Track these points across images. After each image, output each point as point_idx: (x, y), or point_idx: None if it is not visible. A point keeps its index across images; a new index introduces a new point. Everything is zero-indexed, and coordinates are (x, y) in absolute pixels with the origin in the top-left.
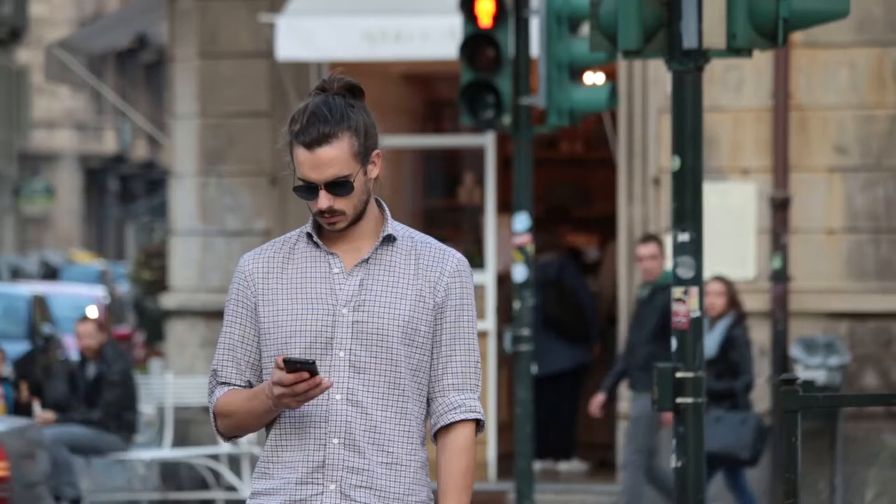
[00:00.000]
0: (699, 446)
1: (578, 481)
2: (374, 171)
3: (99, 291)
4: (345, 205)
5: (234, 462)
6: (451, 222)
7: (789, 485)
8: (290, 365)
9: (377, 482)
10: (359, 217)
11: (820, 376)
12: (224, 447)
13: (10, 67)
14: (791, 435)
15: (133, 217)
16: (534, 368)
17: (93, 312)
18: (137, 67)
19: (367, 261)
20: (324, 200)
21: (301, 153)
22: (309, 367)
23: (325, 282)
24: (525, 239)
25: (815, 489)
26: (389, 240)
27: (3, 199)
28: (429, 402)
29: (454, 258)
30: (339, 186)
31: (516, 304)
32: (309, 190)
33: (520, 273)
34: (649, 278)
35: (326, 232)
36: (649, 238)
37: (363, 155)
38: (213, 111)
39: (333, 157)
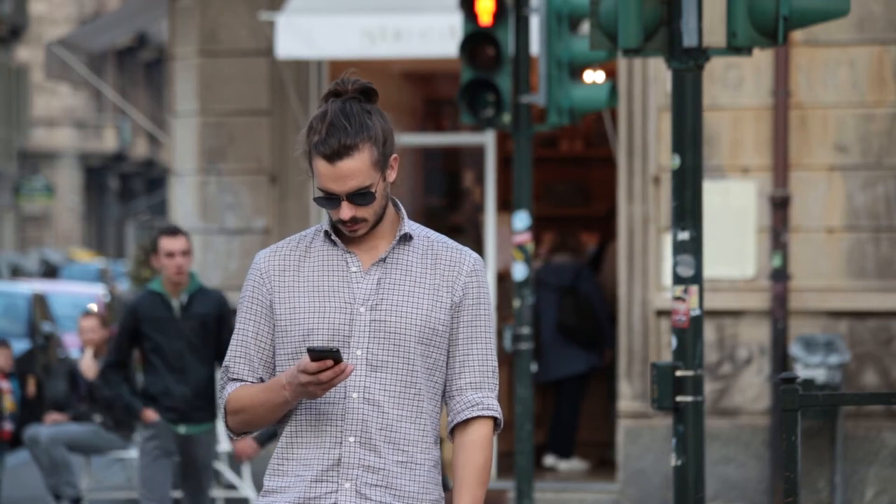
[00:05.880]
0: (699, 445)
1: (578, 480)
2: (392, 175)
3: (99, 289)
4: (366, 213)
5: (234, 460)
6: (451, 221)
7: (789, 483)
8: (315, 354)
9: (393, 481)
10: (378, 220)
11: (820, 375)
12: (224, 445)
13: (10, 65)
14: (791, 434)
15: (133, 215)
16: (534, 367)
17: (95, 308)
18: (137, 66)
19: (384, 260)
20: (346, 211)
21: (321, 165)
22: (333, 355)
23: (343, 280)
24: (525, 237)
25: (814, 488)
26: (406, 239)
27: (3, 198)
28: (446, 400)
29: (471, 258)
30: (361, 197)
31: (516, 303)
32: (330, 200)
33: (519, 271)
34: (179, 280)
35: None
36: (177, 231)
37: (382, 162)
38: (212, 109)
39: (355, 168)
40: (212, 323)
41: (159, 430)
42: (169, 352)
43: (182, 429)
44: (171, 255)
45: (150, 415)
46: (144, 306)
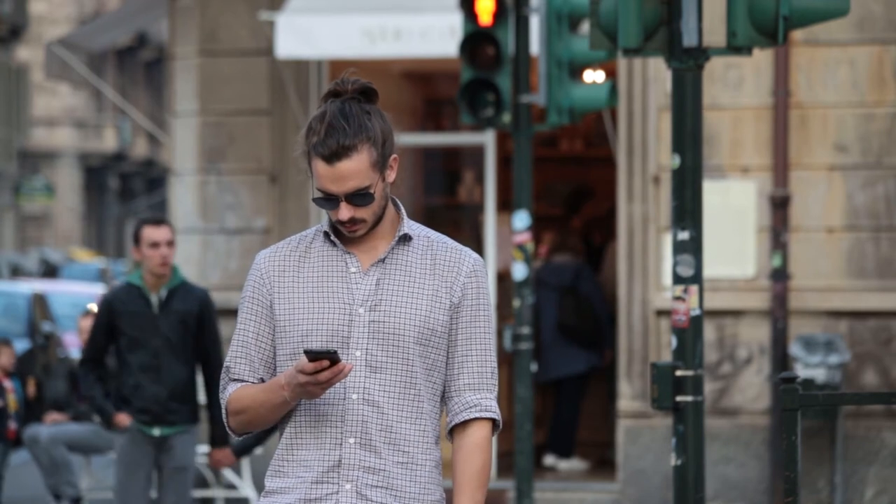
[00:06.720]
0: (699, 445)
1: (578, 480)
2: (391, 175)
3: (99, 289)
4: (365, 213)
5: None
6: (451, 220)
7: (789, 483)
8: (311, 355)
9: (393, 482)
10: (377, 221)
11: (819, 374)
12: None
13: (10, 65)
14: (791, 433)
15: (133, 215)
16: (534, 367)
17: (95, 308)
18: (137, 65)
19: (383, 260)
20: (345, 212)
21: (320, 166)
22: (330, 356)
23: (342, 281)
24: (525, 237)
25: (814, 487)
26: (405, 239)
27: (3, 197)
28: (445, 401)
29: (470, 258)
30: (360, 197)
31: (516, 303)
32: (329, 201)
33: (519, 271)
34: (164, 273)
35: None
36: (161, 220)
37: (381, 163)
38: (212, 109)
39: (353, 170)
40: (192, 321)
41: (133, 436)
42: (144, 350)
43: (156, 431)
44: (155, 245)
45: (123, 420)
46: (120, 300)
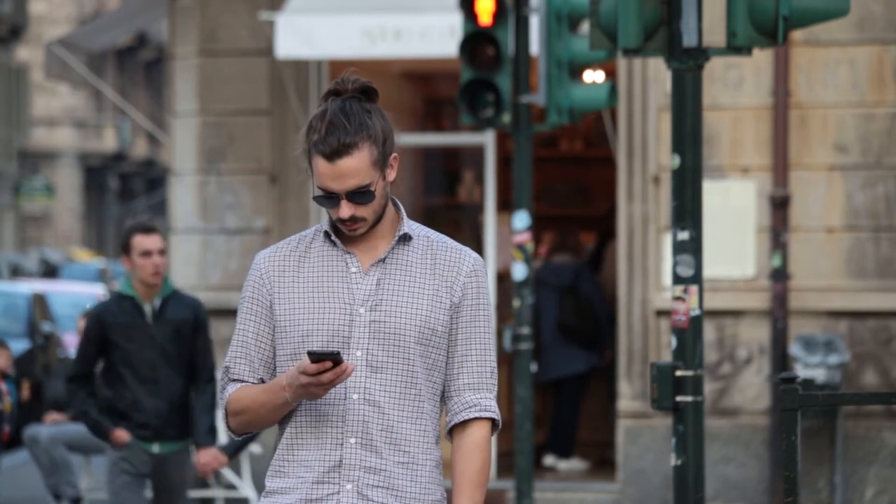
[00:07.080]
0: (699, 445)
1: (578, 480)
2: (391, 174)
3: (99, 289)
4: (366, 212)
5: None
6: (451, 220)
7: (789, 483)
8: (314, 356)
9: (394, 482)
10: (377, 220)
11: (819, 375)
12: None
13: (10, 65)
14: (791, 433)
15: (133, 215)
16: (533, 367)
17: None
18: (137, 65)
19: (383, 260)
20: (345, 210)
21: (321, 164)
22: (333, 358)
23: (343, 281)
24: (525, 237)
25: (814, 488)
26: (405, 239)
27: (3, 197)
28: (444, 401)
29: (471, 258)
30: (361, 195)
31: (516, 303)
32: (330, 199)
33: (519, 271)
34: (156, 282)
35: None
36: (152, 228)
37: (382, 162)
38: (212, 109)
39: (354, 167)
40: (187, 330)
41: (131, 451)
42: (140, 362)
43: (155, 447)
44: (147, 253)
45: (122, 435)
46: (112, 312)
